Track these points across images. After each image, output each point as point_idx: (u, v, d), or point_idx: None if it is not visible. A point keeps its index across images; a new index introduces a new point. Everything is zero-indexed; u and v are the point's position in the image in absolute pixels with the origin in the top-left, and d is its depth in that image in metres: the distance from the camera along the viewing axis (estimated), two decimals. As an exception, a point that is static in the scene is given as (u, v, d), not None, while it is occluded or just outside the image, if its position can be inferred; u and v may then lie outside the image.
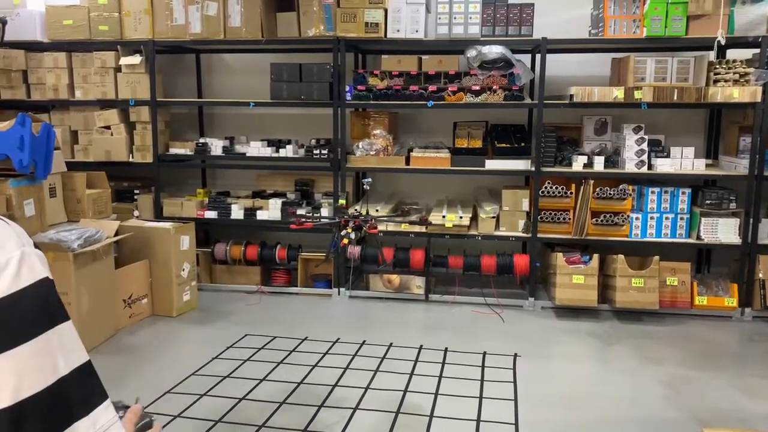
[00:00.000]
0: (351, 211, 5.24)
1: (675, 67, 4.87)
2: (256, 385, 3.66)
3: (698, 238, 4.90)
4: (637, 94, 4.74)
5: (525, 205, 5.13)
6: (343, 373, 3.84)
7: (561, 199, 5.03)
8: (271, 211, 5.42)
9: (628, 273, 4.75)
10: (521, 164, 5.07)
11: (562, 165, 5.10)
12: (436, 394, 3.56)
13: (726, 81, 4.70)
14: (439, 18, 4.95)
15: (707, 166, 5.05)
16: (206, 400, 3.48)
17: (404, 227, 5.19)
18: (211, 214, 5.52)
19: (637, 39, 4.83)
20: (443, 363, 3.99)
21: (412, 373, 3.82)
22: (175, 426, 3.18)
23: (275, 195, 5.68)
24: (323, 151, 5.29)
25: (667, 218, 4.96)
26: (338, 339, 4.37)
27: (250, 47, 5.56)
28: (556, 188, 5.00)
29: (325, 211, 5.31)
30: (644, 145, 4.89)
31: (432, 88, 5.06)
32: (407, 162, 5.24)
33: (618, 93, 4.76)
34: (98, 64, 5.46)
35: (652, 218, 4.97)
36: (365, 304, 5.22)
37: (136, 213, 5.54)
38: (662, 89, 4.76)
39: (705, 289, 4.95)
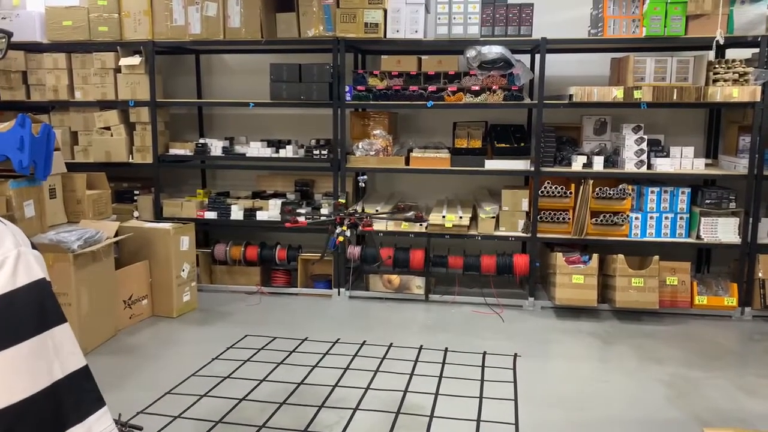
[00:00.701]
0: (349, 210, 5.25)
1: (674, 66, 4.87)
2: (257, 386, 3.66)
3: (698, 237, 4.91)
4: (637, 94, 4.75)
5: (524, 205, 5.13)
6: (343, 373, 3.84)
7: (560, 199, 5.03)
8: (270, 211, 5.42)
9: (627, 273, 4.75)
10: (521, 164, 5.08)
11: (561, 165, 5.10)
12: (437, 394, 3.56)
13: (725, 80, 4.70)
14: (439, 18, 4.96)
15: (707, 165, 5.05)
16: (206, 400, 3.48)
17: (404, 227, 5.19)
18: (210, 215, 5.52)
19: (636, 39, 4.84)
20: (443, 363, 3.99)
21: (412, 374, 3.82)
22: (176, 426, 3.18)
23: (275, 195, 5.68)
24: (323, 152, 5.29)
25: (666, 218, 4.96)
26: (338, 339, 4.37)
27: (250, 48, 5.56)
28: (556, 188, 5.01)
29: (325, 212, 5.31)
30: (644, 145, 4.89)
31: (431, 88, 5.06)
32: (407, 162, 5.24)
33: (617, 93, 4.77)
34: (98, 65, 5.46)
35: (651, 218, 4.97)
36: (365, 304, 5.22)
37: (136, 214, 5.54)
38: (662, 89, 4.76)
39: (705, 288, 4.95)
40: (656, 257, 4.76)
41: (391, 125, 5.48)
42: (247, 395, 3.54)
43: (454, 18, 4.93)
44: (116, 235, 4.58)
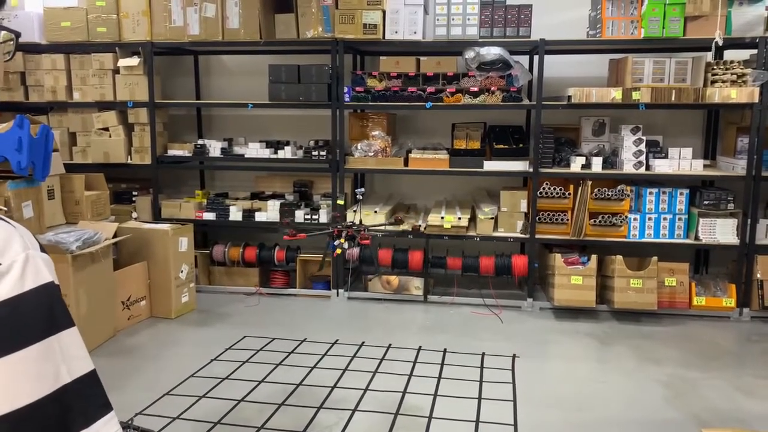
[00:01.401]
0: (348, 212, 5.25)
1: (673, 67, 4.88)
2: (255, 387, 3.66)
3: (696, 238, 4.91)
4: (635, 95, 4.75)
5: (523, 206, 5.14)
6: (342, 374, 3.84)
7: (559, 200, 5.04)
8: (269, 212, 5.42)
9: (626, 274, 4.75)
10: (519, 165, 5.08)
11: (560, 166, 5.10)
12: (435, 395, 3.56)
13: (724, 82, 4.71)
14: (437, 19, 4.96)
15: (705, 166, 5.06)
16: (205, 401, 3.48)
17: (402, 228, 5.19)
18: (209, 216, 5.52)
19: (634, 40, 4.84)
20: (442, 364, 3.99)
21: (411, 374, 3.82)
22: (174, 428, 3.18)
23: (274, 196, 5.68)
24: (322, 153, 5.29)
25: (665, 219, 4.97)
26: (337, 340, 4.37)
27: (249, 49, 5.57)
28: (554, 189, 5.01)
29: (323, 213, 5.31)
30: (642, 146, 4.90)
31: (430, 89, 5.06)
32: (406, 163, 5.24)
33: (616, 94, 4.77)
34: (96, 66, 5.46)
35: (650, 219, 4.97)
36: (364, 305, 5.22)
37: (134, 215, 5.53)
38: (660, 90, 4.76)
39: (703, 289, 4.95)
40: (655, 258, 4.76)
41: (389, 126, 5.48)
42: (245, 396, 3.53)
43: (453, 19, 4.94)
44: (115, 236, 4.57)
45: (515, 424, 3.23)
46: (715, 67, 4.76)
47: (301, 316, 4.96)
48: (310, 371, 3.87)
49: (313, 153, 5.31)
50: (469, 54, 4.94)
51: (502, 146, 5.16)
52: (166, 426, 3.18)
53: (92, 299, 4.20)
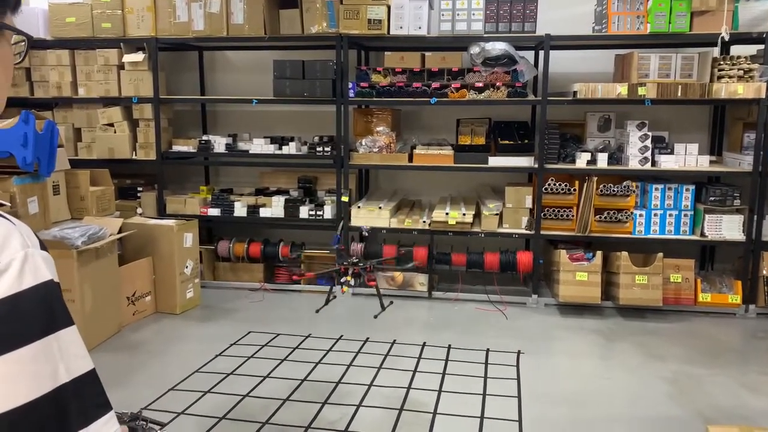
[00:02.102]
0: (353, 209, 5.25)
1: (679, 63, 4.85)
2: (260, 382, 3.66)
3: (702, 235, 4.89)
4: (641, 91, 4.73)
5: (528, 202, 5.12)
6: (347, 369, 3.84)
7: (564, 196, 5.02)
8: (274, 208, 5.42)
9: (631, 270, 4.74)
10: (524, 161, 5.07)
11: (565, 162, 5.09)
12: (440, 391, 3.56)
13: (730, 77, 4.68)
14: (442, 14, 4.94)
15: (711, 162, 5.03)
16: (210, 397, 3.48)
17: (407, 224, 5.19)
18: (214, 212, 5.52)
19: (640, 35, 4.82)
20: (446, 360, 3.99)
21: (415, 370, 3.82)
22: (179, 423, 3.19)
23: (278, 192, 5.68)
24: (326, 149, 5.29)
25: (670, 215, 4.95)
26: (341, 336, 4.37)
27: (253, 44, 5.56)
28: (560, 185, 4.99)
29: (328, 209, 5.30)
30: (648, 142, 4.88)
31: (435, 84, 5.05)
32: (410, 159, 5.23)
33: (621, 89, 4.75)
34: (101, 62, 5.46)
35: (655, 215, 4.96)
36: (368, 301, 5.21)
37: (139, 210, 5.54)
38: (666, 85, 4.74)
39: (709, 285, 4.94)
40: (660, 254, 4.75)
41: (394, 122, 5.47)
42: (250, 391, 3.54)
43: (458, 14, 4.92)
44: (120, 231, 4.58)
45: (520, 420, 3.23)
46: (721, 63, 4.73)
47: (305, 311, 4.96)
48: (315, 367, 3.88)
49: (318, 149, 5.31)
50: (474, 49, 4.93)
51: (507, 142, 5.15)
52: (172, 421, 3.19)
53: (97, 295, 4.21)
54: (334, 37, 5.09)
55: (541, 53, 5.00)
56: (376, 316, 3.22)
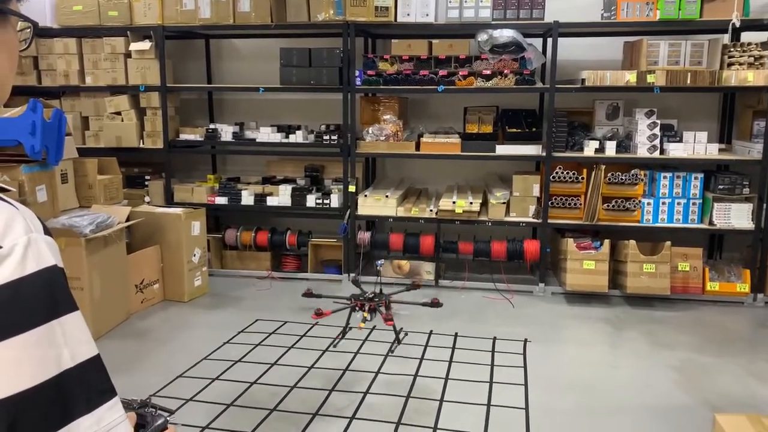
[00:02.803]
0: (360, 198, 5.25)
1: (688, 50, 4.81)
2: (267, 370, 3.68)
3: (710, 223, 4.87)
4: (650, 78, 4.69)
5: (536, 190, 5.10)
6: (354, 357, 3.85)
7: (572, 185, 5.00)
8: (281, 197, 5.42)
9: (639, 258, 4.72)
10: (532, 149, 5.04)
11: (573, 150, 5.06)
12: (447, 378, 3.57)
13: (740, 64, 4.63)
14: (450, 1, 4.91)
15: (720, 150, 4.99)
16: (218, 384, 3.51)
17: (414, 213, 5.18)
18: (221, 200, 5.53)
19: (650, 22, 4.77)
20: (453, 348, 3.99)
21: (422, 358, 3.83)
22: (187, 410, 3.21)
23: (285, 181, 5.68)
24: (333, 137, 5.28)
25: (679, 203, 4.92)
26: (348, 324, 4.38)
27: (260, 32, 5.55)
28: (567, 173, 4.97)
29: (334, 198, 5.30)
30: (656, 130, 4.85)
31: (442, 72, 5.02)
32: (417, 147, 5.21)
33: (630, 77, 4.71)
34: (108, 50, 5.46)
35: (663, 203, 4.93)
36: (375, 289, 5.21)
37: (147, 199, 5.56)
38: (675, 73, 4.70)
39: (717, 274, 4.92)
40: (668, 243, 4.73)
41: (401, 110, 5.45)
42: (258, 379, 3.56)
43: (465, 1, 4.88)
44: (128, 219, 4.60)
45: (527, 408, 3.24)
46: (731, 50, 4.68)
47: (312, 300, 4.96)
48: (322, 354, 3.89)
49: (325, 137, 5.30)
50: (482, 36, 4.89)
51: (514, 130, 5.13)
52: (180, 408, 3.21)
53: (106, 282, 4.24)
54: (341, 25, 5.07)
55: (550, 40, 4.96)
56: (391, 351, 3.27)
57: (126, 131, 5.52)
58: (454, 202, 5.09)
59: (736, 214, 4.83)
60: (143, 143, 5.56)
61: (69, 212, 4.44)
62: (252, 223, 5.71)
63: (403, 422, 3.09)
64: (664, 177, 4.92)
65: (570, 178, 4.98)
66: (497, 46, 4.89)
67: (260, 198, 5.47)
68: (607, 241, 4.84)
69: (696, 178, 4.89)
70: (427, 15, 4.97)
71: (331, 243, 5.50)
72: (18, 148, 3.94)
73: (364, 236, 5.35)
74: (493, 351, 3.96)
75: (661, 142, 4.88)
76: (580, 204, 5.01)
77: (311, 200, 5.35)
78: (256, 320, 4.48)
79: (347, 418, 3.14)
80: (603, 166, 4.86)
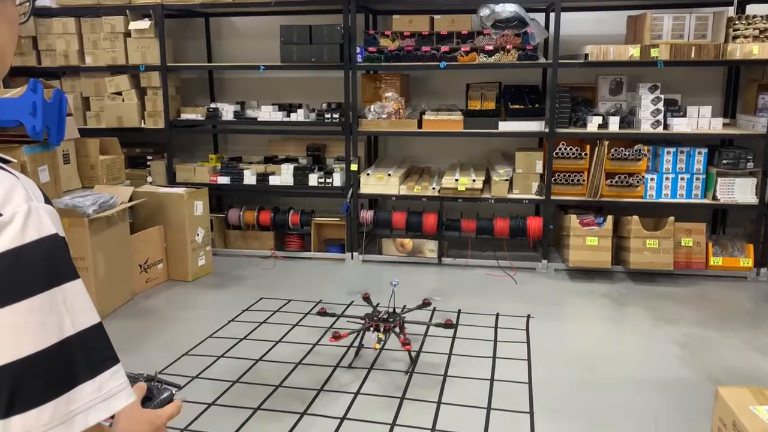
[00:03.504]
0: (362, 176, 5.23)
1: (693, 23, 4.76)
2: (272, 347, 3.71)
3: (714, 198, 4.85)
4: (654, 53, 4.65)
5: (539, 167, 5.09)
6: (358, 334, 3.86)
7: (575, 161, 4.98)
8: (283, 176, 5.41)
9: (642, 234, 4.72)
10: (535, 125, 5.02)
11: (576, 126, 5.03)
12: (450, 354, 3.59)
13: (745, 37, 4.58)
14: (451, -24, 4.85)
15: (724, 125, 4.96)
16: (223, 361, 3.53)
17: (416, 191, 5.17)
18: (223, 180, 5.52)
19: (654, -5, 4.71)
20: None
21: (425, 335, 3.85)
22: (193, 386, 3.24)
23: (287, 160, 5.67)
24: (334, 115, 5.26)
25: (682, 179, 4.91)
26: (352, 302, 4.40)
27: (260, 10, 5.50)
28: (570, 149, 4.95)
29: (337, 177, 5.29)
30: (660, 105, 4.81)
31: (444, 48, 4.98)
32: (419, 125, 5.19)
33: (634, 51, 4.67)
34: (108, 30, 5.42)
35: (667, 179, 4.91)
36: (378, 267, 5.23)
37: (149, 179, 5.56)
38: (679, 47, 4.66)
39: (720, 249, 4.91)
40: (671, 218, 4.72)
41: (403, 87, 5.41)
42: (263, 356, 3.58)
43: (467, -24, 4.82)
44: (130, 200, 4.60)
45: (530, 382, 3.26)
46: (737, 22, 4.63)
47: (316, 278, 4.99)
48: (326, 331, 3.91)
49: (326, 116, 5.28)
50: (484, 12, 4.84)
51: (517, 106, 5.09)
52: (186, 385, 3.24)
53: (110, 262, 4.25)
54: (342, 1, 5.02)
55: (552, 15, 4.91)
56: (407, 372, 3.28)
57: (127, 111, 5.50)
58: (456, 180, 5.07)
59: (740, 188, 4.81)
60: (144, 123, 5.54)
61: (72, 193, 4.44)
62: (254, 202, 5.71)
63: (407, 397, 3.12)
64: (668, 152, 4.89)
65: (573, 154, 4.96)
66: (499, 21, 4.84)
67: (262, 177, 5.47)
68: (610, 217, 4.83)
69: (700, 153, 4.87)
70: (429, -10, 4.91)
71: (334, 222, 5.50)
72: (19, 129, 3.94)
73: (367, 215, 5.35)
74: (496, 327, 3.98)
75: (665, 117, 4.85)
76: (583, 180, 4.99)
77: (313, 179, 5.34)
78: (261, 299, 4.50)
79: (352, 393, 3.16)
80: (606, 142, 4.83)
